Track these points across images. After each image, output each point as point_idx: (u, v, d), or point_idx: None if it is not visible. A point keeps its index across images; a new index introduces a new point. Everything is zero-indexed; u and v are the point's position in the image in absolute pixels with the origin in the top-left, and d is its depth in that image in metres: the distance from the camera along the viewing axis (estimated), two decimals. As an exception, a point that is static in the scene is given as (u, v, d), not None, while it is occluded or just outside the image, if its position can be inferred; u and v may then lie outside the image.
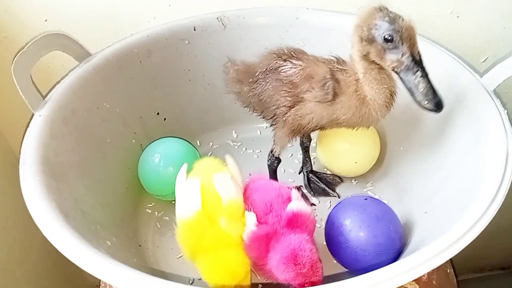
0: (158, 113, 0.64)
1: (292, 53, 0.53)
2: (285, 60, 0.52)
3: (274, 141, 0.56)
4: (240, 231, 0.45)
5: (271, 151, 0.57)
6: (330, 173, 0.64)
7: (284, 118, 0.53)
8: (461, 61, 0.53)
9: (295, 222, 0.45)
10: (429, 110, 0.43)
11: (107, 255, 0.37)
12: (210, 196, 0.46)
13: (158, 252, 0.55)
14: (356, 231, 0.47)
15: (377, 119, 0.49)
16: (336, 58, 0.51)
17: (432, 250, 0.34)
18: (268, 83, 0.53)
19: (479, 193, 0.39)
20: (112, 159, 0.57)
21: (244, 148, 0.69)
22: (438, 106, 0.42)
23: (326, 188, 0.61)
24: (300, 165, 0.64)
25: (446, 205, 0.46)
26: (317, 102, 0.49)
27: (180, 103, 0.66)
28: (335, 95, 0.48)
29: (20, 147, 0.45)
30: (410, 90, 0.43)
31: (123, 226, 0.54)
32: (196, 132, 0.68)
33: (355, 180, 0.63)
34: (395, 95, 0.47)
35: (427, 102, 0.42)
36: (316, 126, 0.53)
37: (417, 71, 0.42)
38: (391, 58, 0.43)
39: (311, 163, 0.63)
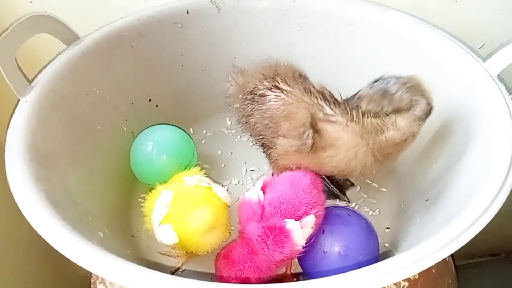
0: (150, 100, 0.62)
1: (279, 79, 0.49)
2: (270, 89, 0.49)
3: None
4: None
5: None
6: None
7: (269, 152, 0.51)
8: (464, 45, 0.51)
9: (282, 239, 0.43)
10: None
11: (100, 247, 0.35)
12: None
13: (152, 243, 0.53)
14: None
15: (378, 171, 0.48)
16: (328, 100, 0.47)
17: (438, 242, 0.33)
18: (255, 109, 0.50)
19: (485, 183, 0.38)
20: (103, 147, 0.55)
21: (238, 136, 0.67)
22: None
23: (337, 192, 0.57)
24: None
25: (449, 194, 0.44)
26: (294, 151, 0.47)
27: (172, 89, 0.64)
28: (315, 147, 0.46)
29: (5, 134, 0.43)
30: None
31: (115, 217, 0.52)
32: (190, 119, 0.67)
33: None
34: None
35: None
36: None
37: None
38: None
39: None
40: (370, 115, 0.44)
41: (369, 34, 0.58)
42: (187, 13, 0.59)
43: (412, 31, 0.55)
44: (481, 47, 0.69)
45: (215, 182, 0.53)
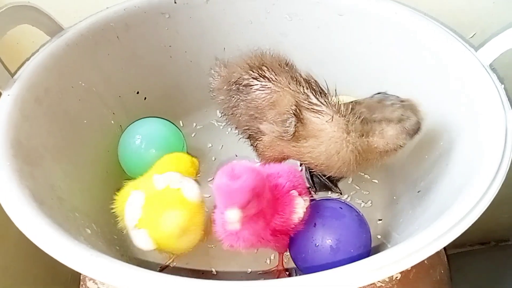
0: (138, 92, 0.61)
1: (265, 68, 0.48)
2: (256, 78, 0.48)
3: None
4: None
5: None
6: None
7: (256, 144, 0.50)
8: (455, 35, 0.51)
9: (284, 201, 0.42)
10: None
11: (87, 245, 0.34)
12: None
13: (142, 238, 0.53)
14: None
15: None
16: (315, 89, 0.47)
17: (431, 235, 0.33)
18: (240, 99, 0.49)
19: (477, 174, 0.37)
20: (90, 141, 0.54)
21: (229, 128, 0.66)
22: None
23: (329, 183, 0.57)
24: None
25: (441, 186, 0.44)
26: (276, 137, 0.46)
27: (161, 82, 0.63)
28: (297, 135, 0.45)
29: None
30: None
31: (103, 212, 0.51)
32: (179, 112, 0.66)
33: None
34: None
35: None
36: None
37: None
38: None
39: None
40: (360, 116, 0.44)
41: (360, 24, 0.57)
42: (175, 3, 0.58)
43: (404, 21, 0.54)
44: (472, 36, 0.68)
45: (197, 176, 0.53)
